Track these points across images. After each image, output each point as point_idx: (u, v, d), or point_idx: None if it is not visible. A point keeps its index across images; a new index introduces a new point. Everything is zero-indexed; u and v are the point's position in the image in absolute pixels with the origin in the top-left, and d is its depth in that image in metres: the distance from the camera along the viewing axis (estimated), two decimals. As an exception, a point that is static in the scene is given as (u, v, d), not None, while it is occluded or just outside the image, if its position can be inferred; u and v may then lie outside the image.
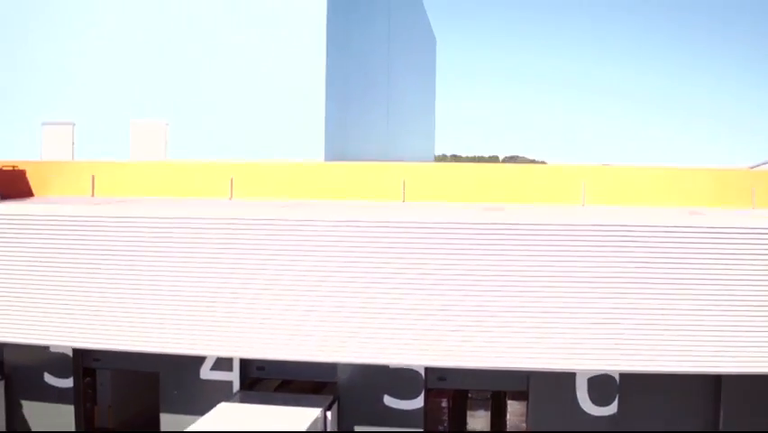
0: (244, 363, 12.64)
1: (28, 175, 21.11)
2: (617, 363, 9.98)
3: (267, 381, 13.92)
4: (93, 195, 20.64)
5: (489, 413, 14.96)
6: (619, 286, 10.12)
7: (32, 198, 20.64)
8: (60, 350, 12.85)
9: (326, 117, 21.71)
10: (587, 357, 9.90)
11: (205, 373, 10.42)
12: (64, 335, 10.42)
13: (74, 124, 23.28)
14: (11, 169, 21.11)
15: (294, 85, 21.81)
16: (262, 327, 10.27)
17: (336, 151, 22.82)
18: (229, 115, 22.22)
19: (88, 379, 12.49)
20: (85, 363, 11.02)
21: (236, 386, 10.31)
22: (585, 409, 12.85)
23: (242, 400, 12.02)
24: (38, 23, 23.85)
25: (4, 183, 21.01)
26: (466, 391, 15.33)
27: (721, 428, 12.70)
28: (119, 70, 23.21)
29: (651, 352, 9.93)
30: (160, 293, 10.39)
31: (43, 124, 23.58)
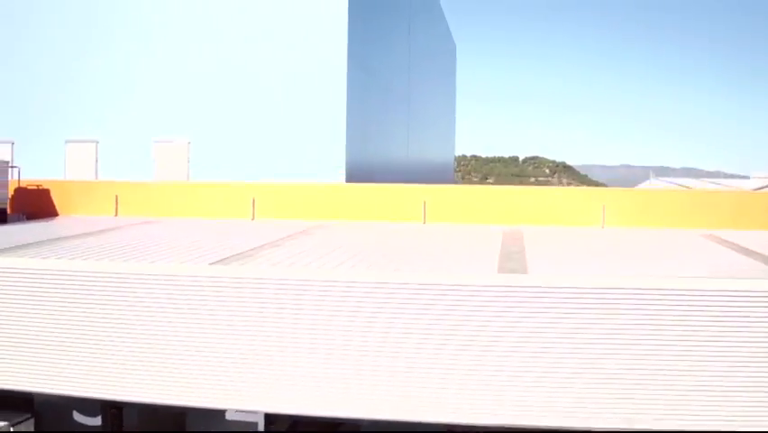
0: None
1: (52, 194, 21.38)
2: (629, 422, 9.98)
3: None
4: (116, 214, 20.88)
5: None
6: (632, 346, 10.13)
7: (56, 218, 20.94)
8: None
9: (347, 136, 21.85)
10: (600, 415, 9.93)
11: (231, 414, 10.56)
12: (91, 387, 10.57)
13: (97, 142, 23.52)
14: (35, 188, 21.40)
15: (315, 103, 21.92)
16: (286, 382, 10.38)
17: (358, 168, 22.95)
18: (249, 134, 22.38)
19: (114, 410, 12.66)
20: (113, 403, 11.18)
21: (261, 426, 10.46)
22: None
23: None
24: (62, 40, 24.12)
25: (29, 202, 21.33)
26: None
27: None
28: (142, 89, 23.40)
29: (668, 411, 9.92)
30: (185, 348, 10.53)
31: (67, 141, 23.83)
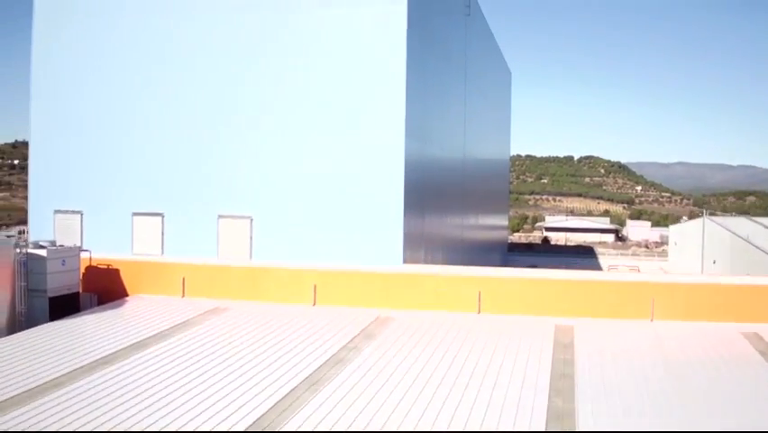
0: None
1: (122, 273, 22.33)
2: None
3: None
4: (183, 295, 21.75)
5: None
6: None
7: (126, 298, 21.89)
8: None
9: (405, 223, 22.42)
10: None
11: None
12: None
13: (163, 215, 24.44)
14: (106, 267, 22.36)
15: (377, 191, 22.55)
16: None
17: (414, 251, 23.55)
18: (311, 216, 23.08)
19: None
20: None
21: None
22: None
23: None
24: (127, 114, 25.10)
25: (100, 281, 22.28)
26: None
27: None
28: (207, 163, 24.23)
29: None
30: None
31: (133, 214, 24.77)
